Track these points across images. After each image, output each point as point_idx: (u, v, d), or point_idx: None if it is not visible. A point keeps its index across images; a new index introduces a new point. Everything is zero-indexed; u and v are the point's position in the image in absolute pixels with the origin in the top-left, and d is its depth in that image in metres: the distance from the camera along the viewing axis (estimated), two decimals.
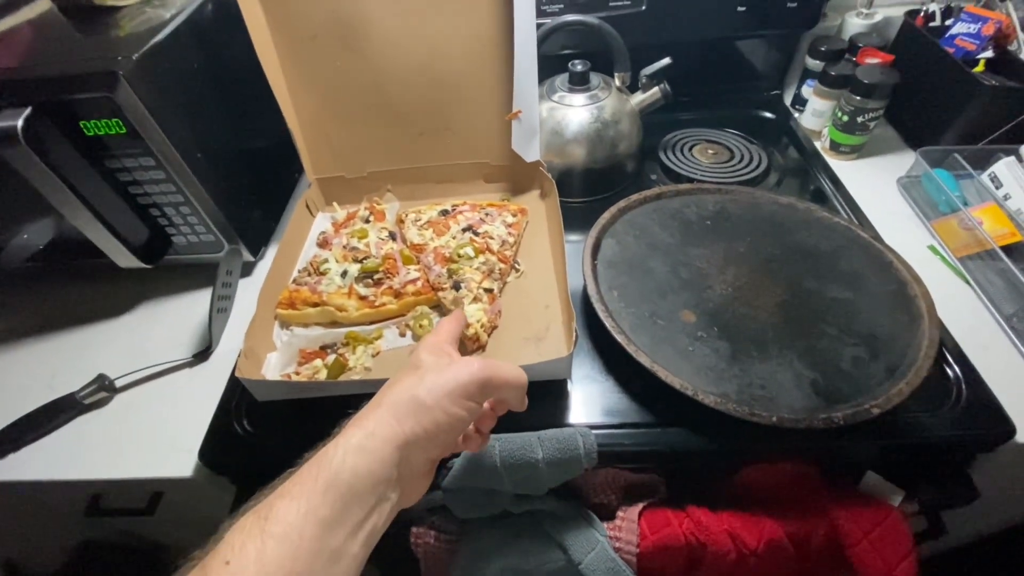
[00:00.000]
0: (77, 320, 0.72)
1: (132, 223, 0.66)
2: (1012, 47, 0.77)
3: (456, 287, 0.63)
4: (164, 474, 0.57)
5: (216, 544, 0.28)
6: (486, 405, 0.41)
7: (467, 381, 0.34)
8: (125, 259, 0.66)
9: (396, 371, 0.52)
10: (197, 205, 0.65)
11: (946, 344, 0.59)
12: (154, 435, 0.59)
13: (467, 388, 0.34)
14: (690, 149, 0.89)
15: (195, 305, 0.71)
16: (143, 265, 0.67)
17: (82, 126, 0.57)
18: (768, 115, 0.97)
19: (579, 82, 0.78)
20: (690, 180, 0.82)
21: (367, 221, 0.74)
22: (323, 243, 0.72)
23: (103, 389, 0.62)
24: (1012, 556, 0.85)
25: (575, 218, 0.73)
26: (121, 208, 0.64)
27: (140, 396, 0.63)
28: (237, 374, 0.53)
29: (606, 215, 0.69)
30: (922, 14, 0.85)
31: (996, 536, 0.80)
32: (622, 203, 0.71)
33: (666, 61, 0.76)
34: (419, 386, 0.34)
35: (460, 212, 0.73)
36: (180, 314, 0.71)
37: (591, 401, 0.57)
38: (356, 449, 0.31)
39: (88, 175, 0.59)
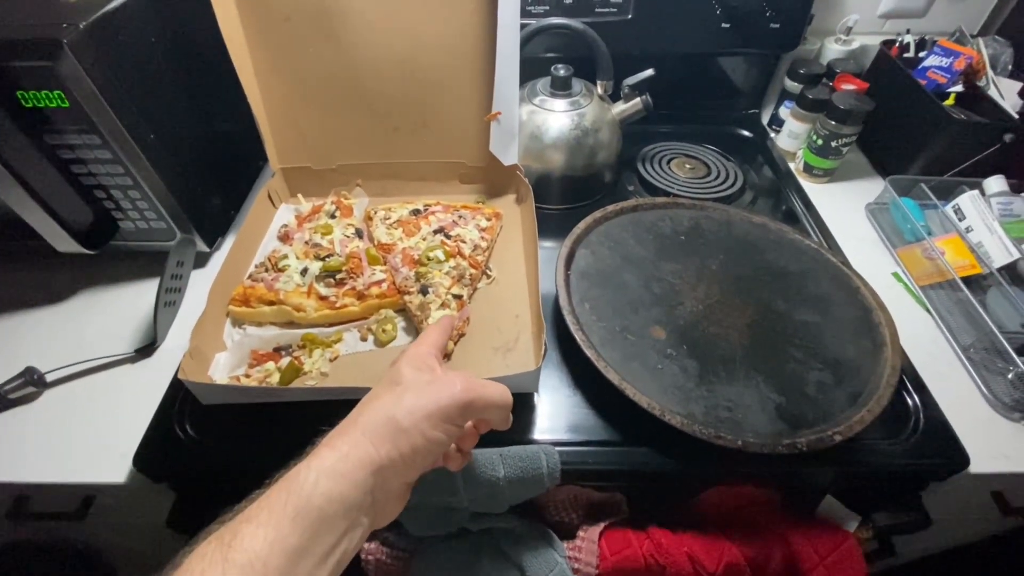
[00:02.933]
0: (7, 307, 0.66)
1: (74, 204, 0.61)
2: (981, 83, 0.79)
3: (423, 291, 0.60)
4: (94, 479, 0.52)
5: (173, 571, 0.26)
6: (468, 425, 0.39)
7: (448, 404, 0.33)
8: (64, 243, 0.61)
9: (355, 378, 0.50)
10: (147, 189, 0.61)
11: (906, 372, 0.59)
12: (86, 436, 0.55)
13: (448, 411, 0.33)
14: (668, 162, 0.88)
15: (142, 296, 0.67)
16: (85, 250, 0.62)
17: (19, 96, 0.52)
18: (746, 133, 0.98)
19: (561, 87, 0.76)
20: (667, 194, 0.81)
21: (333, 216, 0.71)
22: (284, 237, 0.68)
23: (31, 383, 0.57)
24: (957, 572, 0.88)
25: (550, 225, 0.71)
26: (62, 187, 0.59)
27: (73, 393, 0.58)
28: (180, 375, 0.49)
29: (581, 225, 0.68)
30: (897, 44, 0.87)
31: (941, 554, 0.82)
32: (598, 213, 0.70)
33: (649, 72, 0.75)
34: (397, 407, 0.32)
35: (432, 213, 0.71)
36: (124, 305, 0.66)
37: (557, 416, 0.56)
38: (329, 473, 0.29)
39: (24, 149, 0.54)
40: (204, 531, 0.28)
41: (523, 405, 0.56)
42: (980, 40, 0.82)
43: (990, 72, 0.79)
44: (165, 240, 0.67)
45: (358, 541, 0.31)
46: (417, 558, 0.53)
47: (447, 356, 0.58)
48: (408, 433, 0.31)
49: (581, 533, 0.54)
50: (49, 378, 0.58)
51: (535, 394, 0.57)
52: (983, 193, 0.73)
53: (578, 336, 0.55)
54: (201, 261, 0.71)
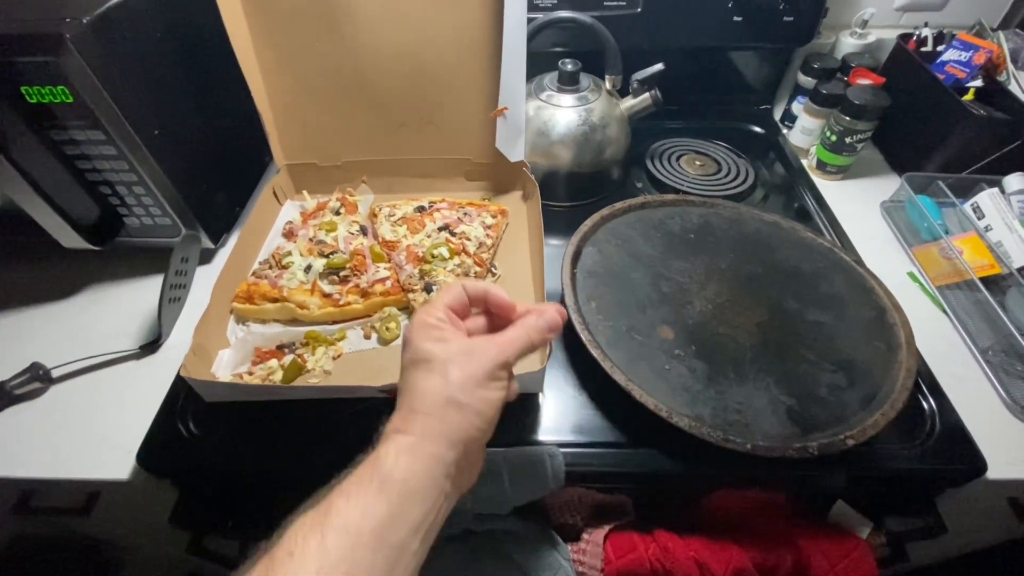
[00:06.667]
0: (13, 303, 0.66)
1: (79, 200, 0.61)
2: (1001, 78, 0.77)
3: (427, 289, 0.59)
4: (98, 475, 0.52)
5: (277, 541, 0.29)
6: None
7: (491, 367, 0.34)
8: (70, 239, 0.61)
9: (359, 376, 0.49)
10: (152, 185, 0.61)
11: (922, 375, 0.58)
12: (91, 432, 0.55)
13: (494, 372, 0.34)
14: (677, 159, 0.87)
15: (147, 292, 0.66)
16: (90, 246, 0.62)
17: (24, 92, 0.52)
18: (757, 129, 0.96)
19: (568, 82, 0.75)
20: (676, 191, 0.80)
21: (338, 213, 0.70)
22: (288, 234, 0.68)
23: (37, 379, 0.57)
24: None
25: (557, 222, 0.70)
26: (67, 183, 0.59)
27: (78, 388, 0.58)
28: (182, 373, 0.49)
29: (588, 222, 0.67)
30: (915, 38, 0.85)
31: (956, 560, 0.81)
32: (605, 211, 0.69)
33: (659, 67, 0.74)
34: (448, 386, 0.33)
35: (437, 210, 0.70)
36: (129, 301, 0.66)
37: (563, 416, 0.55)
38: (408, 450, 0.31)
39: (29, 145, 0.54)
40: (302, 505, 0.30)
41: (528, 406, 0.56)
42: (1000, 33, 0.79)
43: (1011, 66, 0.76)
44: (170, 236, 0.66)
45: (445, 511, 0.33)
46: None
47: None
48: (470, 404, 0.33)
49: (586, 536, 0.53)
50: (55, 374, 0.58)
51: (540, 394, 0.56)
52: (1003, 191, 0.71)
53: (584, 335, 0.54)
54: (207, 257, 0.71)
